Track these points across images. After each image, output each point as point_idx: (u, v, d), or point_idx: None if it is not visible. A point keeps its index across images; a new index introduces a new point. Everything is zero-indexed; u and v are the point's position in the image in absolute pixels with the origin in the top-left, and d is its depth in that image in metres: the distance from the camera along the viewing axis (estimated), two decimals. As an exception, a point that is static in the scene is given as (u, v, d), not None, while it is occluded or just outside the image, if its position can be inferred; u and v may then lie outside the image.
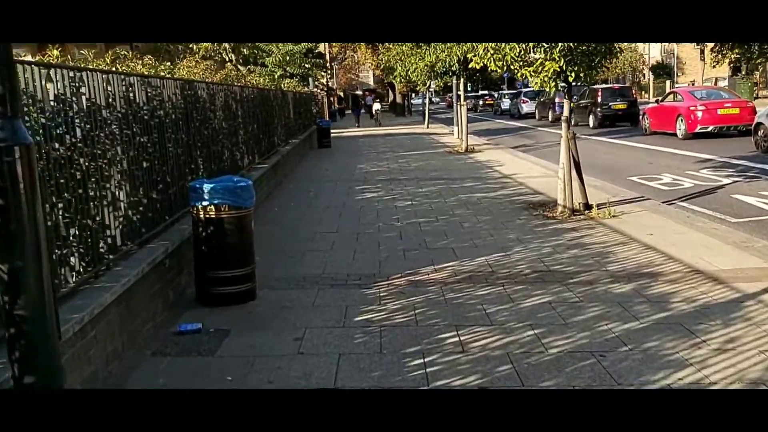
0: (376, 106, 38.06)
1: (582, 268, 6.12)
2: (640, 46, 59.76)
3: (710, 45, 41.92)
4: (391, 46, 30.74)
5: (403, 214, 9.10)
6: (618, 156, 16.06)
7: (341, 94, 67.91)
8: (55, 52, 4.53)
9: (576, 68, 8.03)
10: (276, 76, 15.86)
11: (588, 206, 8.85)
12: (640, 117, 21.26)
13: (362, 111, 41.06)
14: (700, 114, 17.65)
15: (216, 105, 7.92)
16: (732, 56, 38.46)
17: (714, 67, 41.82)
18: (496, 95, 46.05)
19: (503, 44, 8.11)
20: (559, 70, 7.95)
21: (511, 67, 8.68)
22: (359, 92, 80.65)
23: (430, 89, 33.99)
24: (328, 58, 51.30)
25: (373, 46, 45.84)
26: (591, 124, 24.77)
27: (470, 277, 5.98)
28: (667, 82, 51.54)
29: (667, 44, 54.38)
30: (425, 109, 34.59)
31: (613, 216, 8.36)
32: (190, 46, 20.94)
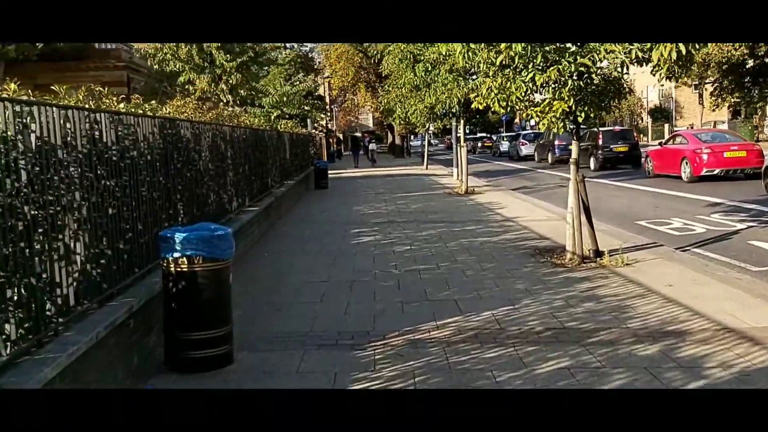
0: (372, 146, 38.47)
1: (600, 325, 5.47)
2: (638, 89, 59.95)
3: (710, 89, 41.88)
4: (390, 88, 30.57)
5: (402, 260, 8.48)
6: (623, 199, 15.52)
7: (340, 135, 67.96)
8: (12, 86, 3.97)
9: (586, 108, 7.51)
10: (273, 117, 15.44)
11: (599, 253, 8.24)
12: (643, 160, 20.79)
13: (361, 152, 40.77)
14: (705, 157, 17.17)
15: (202, 145, 7.37)
16: (731, 100, 38.32)
17: (713, 110, 41.70)
18: (494, 137, 45.90)
19: (508, 84, 7.61)
20: (568, 110, 7.43)
21: (516, 107, 8.17)
22: (358, 134, 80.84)
23: (429, 131, 33.72)
24: (327, 100, 51.39)
25: (373, 89, 45.87)
26: (592, 166, 24.33)
27: (476, 335, 5.32)
28: (666, 126, 51.45)
29: (665, 88, 54.52)
30: (424, 151, 34.26)
31: (627, 264, 7.74)
32: (187, 87, 20.58)
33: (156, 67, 21.50)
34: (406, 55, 17.31)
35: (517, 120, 78.62)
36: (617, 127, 25.41)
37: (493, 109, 8.98)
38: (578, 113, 7.56)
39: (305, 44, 48.29)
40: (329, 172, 22.34)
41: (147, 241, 5.39)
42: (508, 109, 8.57)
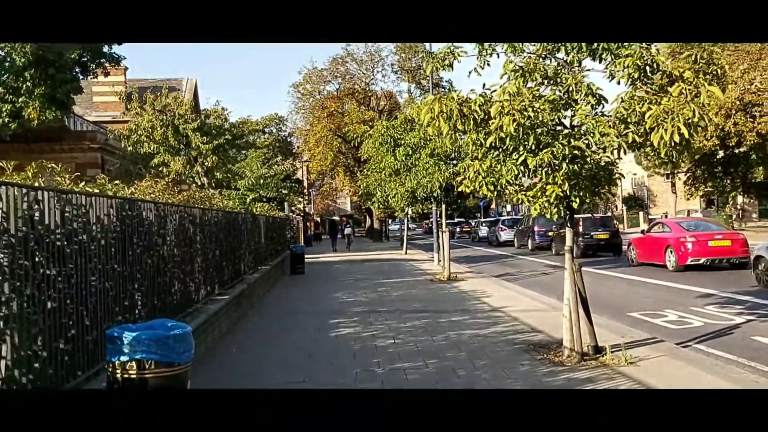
0: (347, 230, 38.42)
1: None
2: (611, 177, 61.05)
3: (683, 178, 42.60)
4: (369, 172, 30.48)
5: (385, 357, 7.74)
6: (610, 289, 15.01)
7: (318, 219, 67.68)
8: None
9: (581, 193, 7.07)
10: (248, 200, 14.93)
11: (598, 349, 7.61)
12: (626, 247, 20.50)
13: (339, 236, 40.31)
14: (690, 246, 16.90)
15: (167, 228, 6.73)
16: (704, 189, 38.89)
17: (688, 199, 42.25)
18: (473, 222, 45.84)
19: (498, 166, 7.19)
20: (562, 195, 6.97)
21: (506, 191, 7.71)
22: (336, 217, 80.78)
23: (408, 215, 33.48)
24: (306, 184, 51.34)
25: (351, 173, 45.97)
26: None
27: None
28: (640, 214, 52.02)
29: (637, 176, 55.55)
30: (403, 235, 33.88)
31: (630, 362, 7.09)
32: (161, 169, 20.12)
33: (130, 148, 21.10)
34: (387, 139, 17.10)
35: (493, 206, 79.57)
36: (597, 215, 25.32)
37: (479, 193, 8.53)
38: (573, 198, 7.11)
39: (283, 129, 48.69)
40: (306, 256, 21.67)
41: (96, 338, 4.65)
42: (496, 193, 8.11)
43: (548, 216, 7.58)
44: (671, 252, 17.43)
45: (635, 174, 58.54)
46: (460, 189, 8.61)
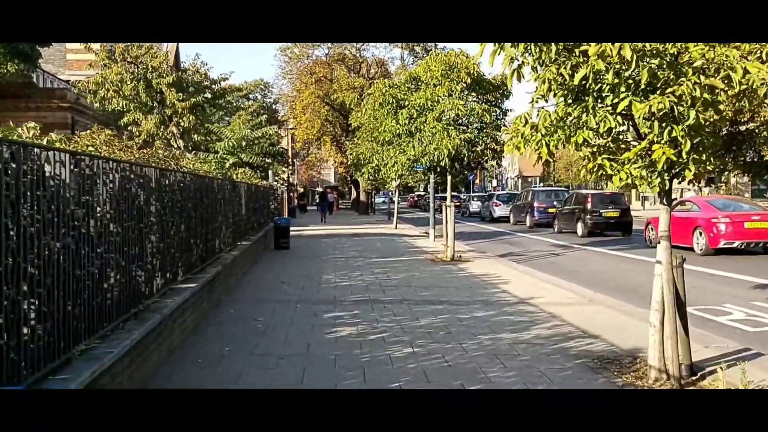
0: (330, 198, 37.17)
1: None
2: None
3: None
4: (360, 141, 28.11)
5: (407, 377, 5.55)
6: (640, 275, 12.95)
7: (302, 189, 65.18)
8: None
9: (703, 157, 4.88)
10: (227, 164, 12.55)
11: (693, 369, 5.53)
12: (644, 228, 18.46)
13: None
14: (723, 227, 14.87)
15: (95, 194, 4.42)
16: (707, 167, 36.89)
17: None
18: (462, 197, 43.65)
19: (583, 116, 4.93)
20: (675, 158, 4.76)
21: (581, 149, 5.48)
22: (320, 189, 78.23)
23: (396, 188, 31.23)
24: (290, 153, 48.74)
25: (338, 143, 43.48)
26: (579, 232, 21.97)
27: None
28: (632, 192, 50.24)
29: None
30: (393, 209, 31.66)
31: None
32: (130, 129, 17.60)
33: (96, 105, 18.52)
34: (388, 100, 14.74)
35: (477, 181, 77.15)
36: (607, 191, 23.28)
37: (529, 157, 6.32)
38: (689, 165, 4.90)
39: (269, 96, 45.91)
40: (291, 228, 19.34)
41: None
42: (551, 158, 5.91)
43: (643, 189, 5.41)
44: (700, 234, 15.41)
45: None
46: (506, 152, 6.33)
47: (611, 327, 7.54)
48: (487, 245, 20.10)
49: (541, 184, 63.57)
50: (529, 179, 69.56)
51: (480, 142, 14.46)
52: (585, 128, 4.99)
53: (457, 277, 12.07)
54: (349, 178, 49.04)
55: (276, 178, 31.60)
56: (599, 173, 5.42)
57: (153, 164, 6.31)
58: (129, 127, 18.01)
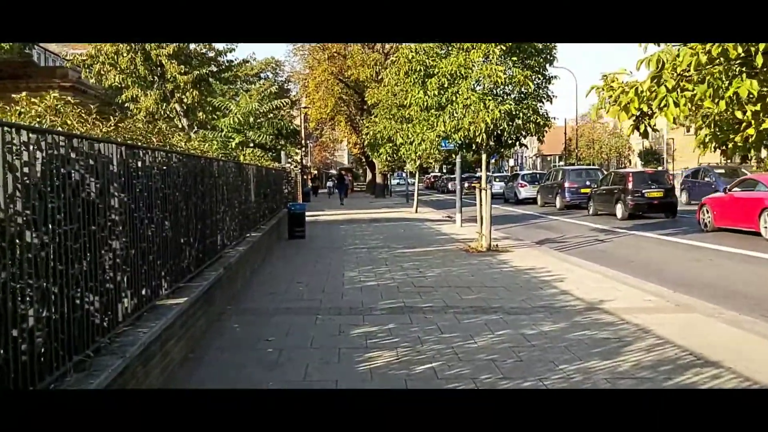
0: (329, 183, 36.20)
1: None
2: (626, 131, 56.71)
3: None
4: (378, 119, 26.20)
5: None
6: (712, 267, 11.05)
7: (315, 172, 63.39)
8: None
9: None
10: (233, 144, 10.73)
11: None
12: (698, 209, 16.47)
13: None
14: (801, 208, 12.89)
15: (32, 178, 2.61)
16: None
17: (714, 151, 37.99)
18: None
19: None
20: None
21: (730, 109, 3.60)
22: (333, 171, 76.31)
23: (410, 169, 29.28)
24: (303, 134, 46.87)
25: (353, 123, 41.52)
26: (619, 214, 20.01)
27: None
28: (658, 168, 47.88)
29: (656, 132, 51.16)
30: (413, 191, 29.79)
31: None
32: (127, 106, 15.81)
33: (92, 80, 16.74)
34: (415, 67, 12.79)
35: (493, 161, 74.76)
36: (649, 168, 21.27)
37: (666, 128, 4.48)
38: None
39: (280, 74, 43.93)
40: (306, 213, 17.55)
41: None
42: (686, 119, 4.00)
43: None
44: (770, 217, 13.43)
45: (656, 128, 54.13)
46: (623, 119, 4.46)
47: (731, 348, 5.68)
48: (520, 230, 18.22)
49: (561, 163, 61.27)
50: (549, 158, 67.23)
51: (520, 114, 12.50)
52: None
53: (502, 273, 10.22)
54: (364, 160, 47.14)
55: (289, 160, 29.82)
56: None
57: (118, 140, 4.49)
58: (126, 105, 16.22)
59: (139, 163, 4.78)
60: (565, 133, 50.53)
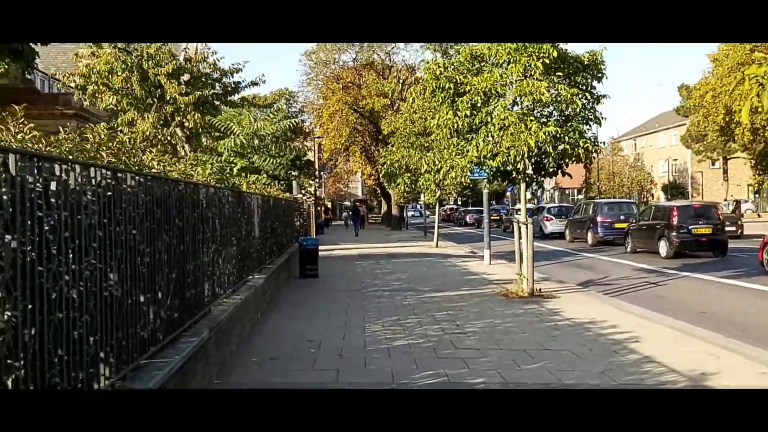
0: (344, 215, 35.17)
1: None
2: (648, 164, 54.82)
3: (737, 164, 36.53)
4: (393, 148, 24.48)
5: None
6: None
7: (329, 204, 61.72)
8: None
9: None
10: (234, 169, 8.99)
11: None
12: (761, 249, 14.42)
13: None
14: None
15: None
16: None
17: (738, 185, 36.19)
18: (503, 210, 39.65)
19: None
20: None
21: None
22: (347, 203, 74.62)
23: (431, 201, 27.40)
24: (317, 165, 45.32)
25: (367, 153, 39.90)
26: (663, 252, 17.95)
27: None
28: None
29: (678, 162, 49.29)
30: (433, 224, 27.86)
31: None
32: (121, 130, 14.15)
33: (86, 103, 15.14)
34: (444, 84, 10.99)
35: (508, 193, 72.73)
36: (696, 203, 19.32)
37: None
38: None
39: (293, 105, 42.58)
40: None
41: None
42: None
43: None
44: None
45: (676, 159, 52.22)
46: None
47: None
48: (555, 270, 16.19)
49: (581, 196, 59.24)
50: (567, 191, 65.21)
51: (565, 138, 10.65)
52: None
53: (559, 329, 8.22)
54: (379, 191, 45.43)
55: (302, 191, 28.14)
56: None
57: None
58: (121, 129, 14.56)
59: (54, 185, 2.94)
60: (586, 165, 48.62)
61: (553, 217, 28.62)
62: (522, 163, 10.43)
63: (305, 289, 12.35)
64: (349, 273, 15.44)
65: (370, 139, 38.50)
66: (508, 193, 73.96)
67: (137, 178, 4.19)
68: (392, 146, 24.43)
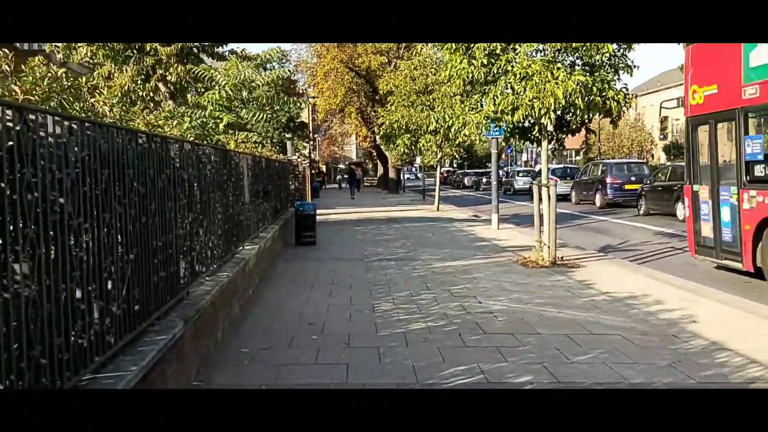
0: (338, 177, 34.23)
1: None
2: (648, 123, 53.37)
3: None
4: (392, 107, 23.05)
5: None
6: None
7: (323, 167, 60.24)
8: None
9: None
10: (220, 126, 7.71)
11: None
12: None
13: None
14: None
15: None
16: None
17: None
18: (503, 172, 38.36)
19: None
20: None
21: None
22: (342, 166, 73.04)
23: (438, 162, 26.11)
24: (311, 126, 43.74)
25: (363, 114, 38.34)
26: (681, 215, 16.76)
27: None
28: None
29: (680, 123, 47.78)
30: (432, 187, 26.63)
31: None
32: (99, 86, 12.71)
33: (60, 55, 13.67)
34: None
35: (504, 156, 70.95)
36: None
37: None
38: None
39: (287, 64, 40.75)
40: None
41: None
42: None
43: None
44: None
45: (678, 119, 50.70)
46: None
47: None
48: (569, 234, 15.02)
49: (578, 158, 57.90)
50: (565, 153, 63.77)
51: (593, 89, 9.34)
52: None
53: (598, 307, 7.06)
54: (375, 153, 44.01)
55: (296, 154, 26.77)
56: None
57: None
58: (98, 85, 13.12)
59: None
60: (613, 121, 47.18)
61: (557, 179, 27.34)
62: (547, 117, 9.15)
63: (302, 259, 11.15)
64: (349, 239, 14.25)
65: (366, 99, 36.90)
66: (503, 155, 72.19)
67: (67, 124, 2.92)
68: (391, 105, 23.00)
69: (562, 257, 10.23)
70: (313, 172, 36.63)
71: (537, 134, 10.00)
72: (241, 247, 7.87)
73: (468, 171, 50.49)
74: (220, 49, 14.05)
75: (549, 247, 10.00)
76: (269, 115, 12.91)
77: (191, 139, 5.82)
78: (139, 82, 13.00)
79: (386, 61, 33.90)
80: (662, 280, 8.57)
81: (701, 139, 9.50)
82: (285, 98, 10.76)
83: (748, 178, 8.29)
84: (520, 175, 33.98)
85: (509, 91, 9.52)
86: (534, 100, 8.99)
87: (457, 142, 16.17)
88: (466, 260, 10.62)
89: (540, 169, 32.00)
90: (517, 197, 30.74)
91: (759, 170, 8.11)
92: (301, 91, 39.79)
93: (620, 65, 9.81)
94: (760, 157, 8.07)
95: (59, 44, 13.15)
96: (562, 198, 26.25)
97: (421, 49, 14.37)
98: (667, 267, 9.88)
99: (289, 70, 37.02)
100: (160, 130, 5.80)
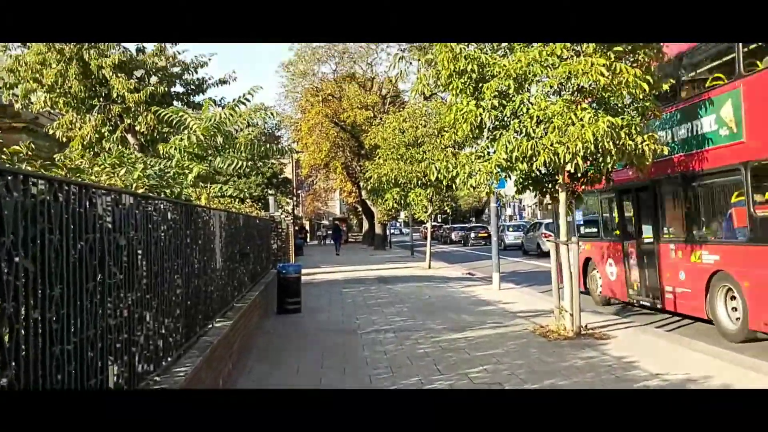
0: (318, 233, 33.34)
1: None
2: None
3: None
4: (380, 160, 21.89)
5: None
6: None
7: (306, 223, 58.80)
8: None
9: None
10: (190, 177, 6.32)
11: None
12: None
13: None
14: None
15: None
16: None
17: None
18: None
19: None
20: None
21: None
22: (326, 222, 71.65)
23: (402, 219, 24.79)
24: (295, 182, 42.56)
25: (348, 170, 37.23)
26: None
27: None
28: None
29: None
30: (422, 243, 25.22)
31: None
32: (58, 136, 11.35)
33: (18, 105, 12.28)
34: (465, 67, 8.37)
35: (487, 210, 69.96)
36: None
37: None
38: None
39: (270, 119, 39.82)
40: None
41: None
42: None
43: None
44: None
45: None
46: None
47: None
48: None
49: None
50: (550, 207, 62.84)
51: (622, 134, 8.06)
52: None
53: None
54: (360, 208, 42.73)
55: (279, 210, 25.39)
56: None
57: None
58: (58, 136, 11.73)
59: None
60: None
61: (552, 234, 26.12)
62: (573, 163, 7.83)
63: (285, 334, 9.53)
64: (337, 304, 12.67)
65: (352, 154, 35.85)
66: (487, 210, 71.08)
67: None
68: (379, 159, 21.85)
69: (586, 325, 8.77)
70: (295, 228, 35.16)
71: (552, 185, 8.66)
72: (211, 325, 6.30)
73: (454, 226, 49.28)
74: (196, 98, 12.79)
75: (572, 315, 8.53)
76: (249, 165, 11.55)
77: (141, 191, 4.36)
78: (105, 132, 11.61)
79: (372, 115, 33.00)
80: (718, 356, 7.09)
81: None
82: (267, 145, 9.34)
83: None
84: (510, 229, 32.75)
85: (522, 136, 8.24)
86: (557, 145, 7.68)
87: (462, 194, 14.88)
88: (475, 330, 9.10)
89: (535, 223, 30.67)
90: (509, 252, 29.39)
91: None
92: (284, 149, 38.71)
93: (646, 106, 8.60)
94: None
95: (18, 93, 11.79)
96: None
97: (410, 100, 13.22)
98: (707, 336, 8.44)
99: (274, 123, 35.98)
100: (104, 178, 4.34)
